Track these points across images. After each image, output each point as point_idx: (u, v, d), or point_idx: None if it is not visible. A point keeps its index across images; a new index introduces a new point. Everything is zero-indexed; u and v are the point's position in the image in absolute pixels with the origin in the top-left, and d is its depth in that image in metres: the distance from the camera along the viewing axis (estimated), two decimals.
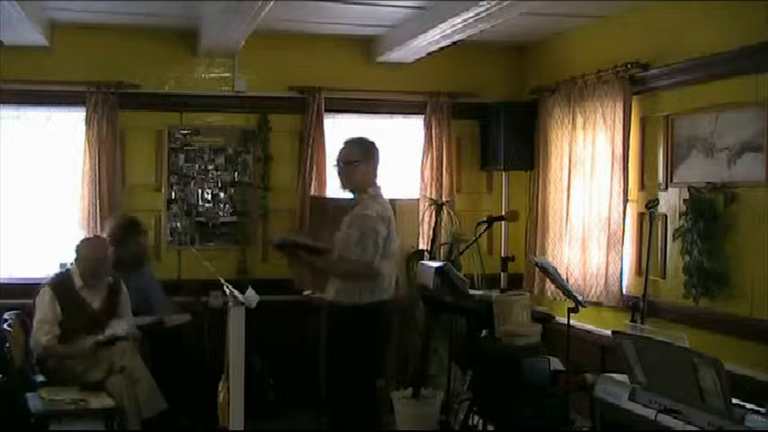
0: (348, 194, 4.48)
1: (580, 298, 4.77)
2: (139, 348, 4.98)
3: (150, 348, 5.11)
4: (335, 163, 4.41)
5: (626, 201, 5.39)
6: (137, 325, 5.15)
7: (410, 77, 6.62)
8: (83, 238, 5.36)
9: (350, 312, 4.26)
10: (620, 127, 5.41)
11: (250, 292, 4.20)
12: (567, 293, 4.83)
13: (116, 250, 5.25)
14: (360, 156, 4.35)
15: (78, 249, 5.10)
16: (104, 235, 5.44)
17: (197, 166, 6.37)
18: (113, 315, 5.04)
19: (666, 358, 3.44)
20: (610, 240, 5.48)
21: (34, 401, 4.56)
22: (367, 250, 4.20)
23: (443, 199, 6.49)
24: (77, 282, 5.00)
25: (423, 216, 6.48)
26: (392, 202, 5.64)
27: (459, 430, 4.85)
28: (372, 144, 4.44)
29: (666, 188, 5.12)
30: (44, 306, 4.91)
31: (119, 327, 4.95)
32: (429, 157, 6.65)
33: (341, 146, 4.43)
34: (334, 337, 4.42)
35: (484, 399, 4.55)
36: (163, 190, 6.32)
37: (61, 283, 5.01)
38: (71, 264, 5.16)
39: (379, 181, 4.45)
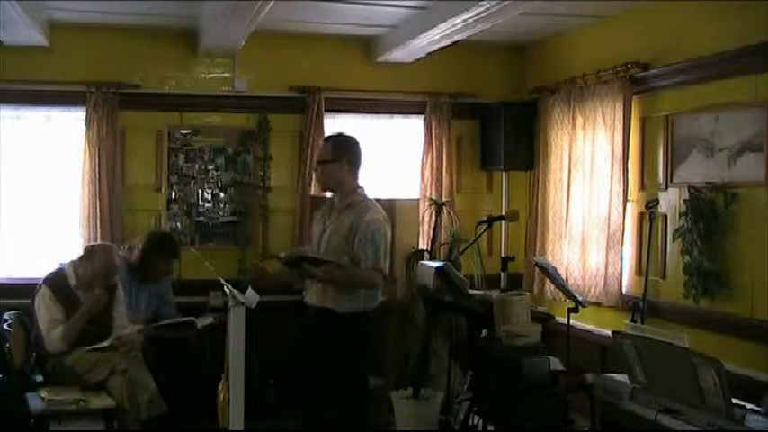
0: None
1: (580, 298, 4.77)
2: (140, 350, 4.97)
3: (151, 350, 5.10)
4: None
5: (626, 201, 5.39)
6: (168, 324, 5.19)
7: (410, 77, 6.61)
8: (95, 244, 5.35)
9: (352, 320, 4.07)
10: (620, 127, 5.41)
11: (250, 291, 4.19)
12: (567, 293, 4.82)
13: (147, 264, 5.33)
14: (332, 154, 4.04)
15: (90, 256, 5.06)
16: (140, 245, 5.43)
17: (197, 166, 6.36)
18: (109, 316, 5.04)
19: (666, 358, 3.44)
20: (609, 240, 5.48)
21: (34, 401, 4.55)
22: (381, 258, 4.06)
23: (443, 199, 6.48)
24: (72, 281, 5.00)
25: (423, 216, 6.47)
26: (392, 202, 5.69)
27: (459, 430, 4.85)
28: (347, 141, 4.12)
29: (666, 188, 5.12)
30: (47, 304, 4.91)
31: (124, 329, 4.96)
32: (429, 157, 6.65)
33: None
34: (330, 344, 4.11)
35: (484, 399, 4.55)
36: (163, 190, 6.31)
37: (57, 281, 5.01)
38: (61, 263, 5.14)
39: (361, 181, 4.20)
